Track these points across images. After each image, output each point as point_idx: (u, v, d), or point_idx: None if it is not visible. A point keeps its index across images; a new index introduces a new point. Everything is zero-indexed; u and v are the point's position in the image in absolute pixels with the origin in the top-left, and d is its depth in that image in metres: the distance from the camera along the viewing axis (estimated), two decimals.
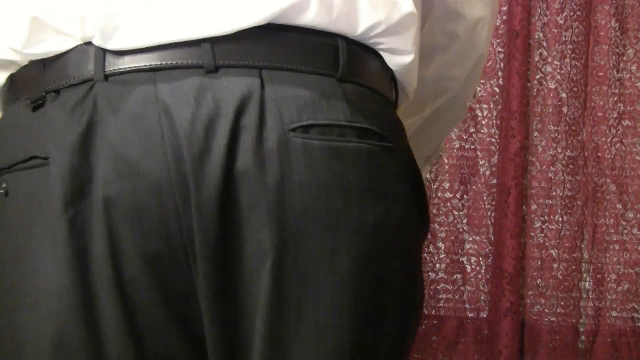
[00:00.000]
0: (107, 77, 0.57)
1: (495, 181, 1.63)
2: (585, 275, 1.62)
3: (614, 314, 1.61)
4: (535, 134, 1.64)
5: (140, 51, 0.57)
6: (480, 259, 1.63)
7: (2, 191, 0.59)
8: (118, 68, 0.57)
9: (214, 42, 0.57)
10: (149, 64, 0.57)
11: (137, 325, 0.56)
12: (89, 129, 0.56)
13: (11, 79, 0.63)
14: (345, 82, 0.61)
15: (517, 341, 1.56)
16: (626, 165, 1.63)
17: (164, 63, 0.57)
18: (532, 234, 1.62)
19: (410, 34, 0.65)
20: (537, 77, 1.65)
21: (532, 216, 1.62)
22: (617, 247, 1.62)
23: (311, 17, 0.60)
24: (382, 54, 0.65)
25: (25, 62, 0.61)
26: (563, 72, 1.64)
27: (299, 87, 0.60)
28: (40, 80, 0.59)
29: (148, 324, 0.56)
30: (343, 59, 0.61)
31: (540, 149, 1.64)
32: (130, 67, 0.57)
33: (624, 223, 1.62)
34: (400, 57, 0.66)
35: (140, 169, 0.55)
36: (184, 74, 0.57)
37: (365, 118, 0.61)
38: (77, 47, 0.58)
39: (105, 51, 0.58)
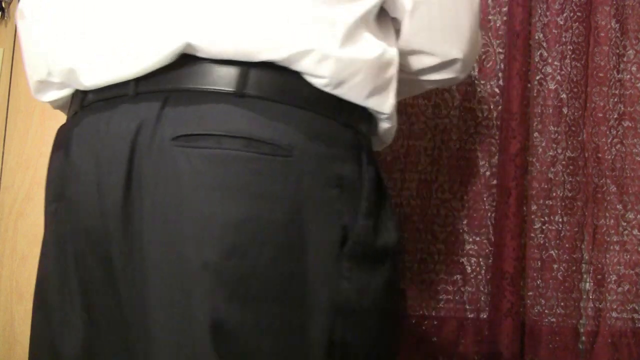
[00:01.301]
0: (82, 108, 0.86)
1: (495, 181, 1.63)
2: (585, 276, 1.62)
3: (614, 314, 1.61)
4: (535, 134, 1.64)
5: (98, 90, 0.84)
6: (480, 259, 1.63)
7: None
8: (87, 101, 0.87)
9: (138, 79, 0.79)
10: (101, 97, 0.83)
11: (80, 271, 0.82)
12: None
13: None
14: (246, 97, 0.76)
15: (517, 342, 1.56)
16: (626, 166, 1.63)
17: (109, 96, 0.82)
18: (532, 235, 1.62)
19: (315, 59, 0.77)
20: (537, 77, 1.65)
21: (532, 217, 1.62)
22: (617, 248, 1.62)
23: (215, 50, 0.76)
24: (304, 76, 0.79)
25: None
26: (563, 72, 1.64)
27: (194, 104, 0.76)
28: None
29: (90, 274, 0.80)
30: (246, 80, 0.77)
31: (540, 150, 1.64)
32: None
33: (624, 224, 1.62)
34: (317, 79, 0.78)
35: (81, 172, 0.81)
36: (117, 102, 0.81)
37: (258, 128, 0.75)
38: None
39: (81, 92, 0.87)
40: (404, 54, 0.90)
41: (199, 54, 0.77)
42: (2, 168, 1.84)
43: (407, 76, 0.96)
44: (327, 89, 0.79)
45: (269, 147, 0.75)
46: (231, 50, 0.76)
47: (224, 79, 0.76)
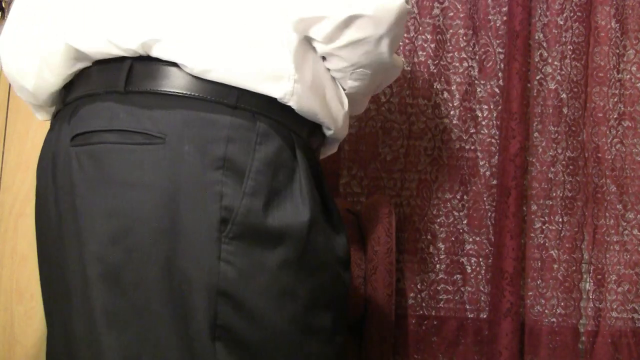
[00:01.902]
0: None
1: (495, 181, 1.63)
2: (585, 276, 1.62)
3: (614, 314, 1.61)
4: (535, 134, 1.64)
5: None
6: (480, 259, 1.63)
7: None
8: None
9: (60, 90, 0.94)
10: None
11: None
12: None
13: None
14: (130, 93, 0.81)
15: (517, 342, 1.55)
16: (626, 166, 1.63)
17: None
18: (532, 235, 1.62)
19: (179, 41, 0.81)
20: (537, 77, 1.65)
21: (532, 217, 1.62)
22: (617, 248, 1.62)
23: (95, 48, 0.82)
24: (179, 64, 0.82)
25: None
26: (563, 72, 1.64)
27: (92, 105, 0.83)
28: None
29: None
30: (128, 75, 0.82)
31: (540, 150, 1.64)
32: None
33: (624, 223, 1.62)
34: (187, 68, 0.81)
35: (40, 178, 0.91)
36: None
37: (134, 120, 0.79)
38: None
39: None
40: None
41: (86, 59, 0.85)
42: (2, 168, 1.84)
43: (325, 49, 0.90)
44: (203, 76, 0.81)
45: (142, 137, 0.79)
46: (104, 47, 0.83)
47: (112, 79, 0.83)
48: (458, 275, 1.63)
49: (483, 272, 1.63)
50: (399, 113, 1.66)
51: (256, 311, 0.77)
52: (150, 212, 0.77)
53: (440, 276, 1.63)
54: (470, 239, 1.64)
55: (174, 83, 0.81)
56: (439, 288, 1.63)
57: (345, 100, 0.92)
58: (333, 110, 0.89)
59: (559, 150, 1.63)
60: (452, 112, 1.66)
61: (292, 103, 0.82)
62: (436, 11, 1.67)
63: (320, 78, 0.87)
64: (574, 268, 1.61)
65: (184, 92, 0.81)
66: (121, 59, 0.82)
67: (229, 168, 0.78)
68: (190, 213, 0.77)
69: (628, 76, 1.65)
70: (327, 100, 0.88)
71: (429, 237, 1.63)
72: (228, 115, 0.80)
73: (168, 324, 0.77)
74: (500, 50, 1.65)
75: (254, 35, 0.81)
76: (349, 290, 0.90)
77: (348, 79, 0.90)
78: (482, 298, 1.62)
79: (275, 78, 0.81)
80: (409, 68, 1.66)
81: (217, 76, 0.81)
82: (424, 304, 1.62)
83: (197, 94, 0.81)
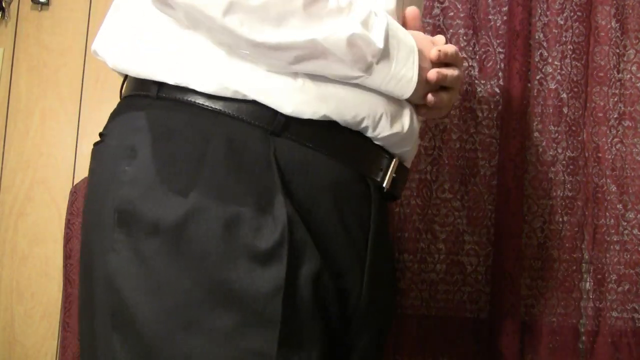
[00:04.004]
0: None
1: (495, 181, 1.63)
2: (585, 276, 1.62)
3: (614, 314, 1.61)
4: (536, 134, 1.64)
5: None
6: (480, 259, 1.63)
7: None
8: None
9: None
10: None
11: None
12: None
13: None
14: (120, 99, 0.91)
15: (517, 341, 1.56)
16: (626, 166, 1.63)
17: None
18: (532, 234, 1.62)
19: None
20: (538, 77, 1.65)
21: (532, 216, 1.62)
22: (617, 248, 1.62)
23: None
24: None
25: None
26: (563, 72, 1.64)
27: None
28: None
29: None
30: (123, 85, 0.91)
31: (540, 149, 1.64)
32: None
33: (624, 223, 1.62)
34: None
35: None
36: None
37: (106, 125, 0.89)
38: None
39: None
40: None
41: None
42: (2, 168, 1.84)
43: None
44: (127, 73, 0.88)
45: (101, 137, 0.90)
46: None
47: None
48: (458, 275, 1.63)
49: (483, 271, 1.63)
50: None
51: (133, 302, 0.76)
52: (85, 208, 0.88)
53: (441, 276, 1.63)
54: (470, 239, 1.64)
55: (123, 83, 0.94)
56: (438, 288, 1.63)
57: None
58: None
59: (559, 150, 1.63)
60: (452, 112, 1.66)
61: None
62: (436, 11, 1.67)
63: None
64: (574, 268, 1.61)
65: (124, 91, 0.91)
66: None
67: (135, 157, 0.81)
68: (98, 203, 0.83)
69: (628, 76, 1.65)
70: None
71: (429, 237, 1.63)
72: (143, 106, 0.85)
73: (91, 313, 0.82)
74: (501, 50, 1.65)
75: None
76: (285, 290, 0.77)
77: None
78: (482, 298, 1.62)
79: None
80: None
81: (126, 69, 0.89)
82: (424, 304, 1.62)
83: (130, 90, 0.89)
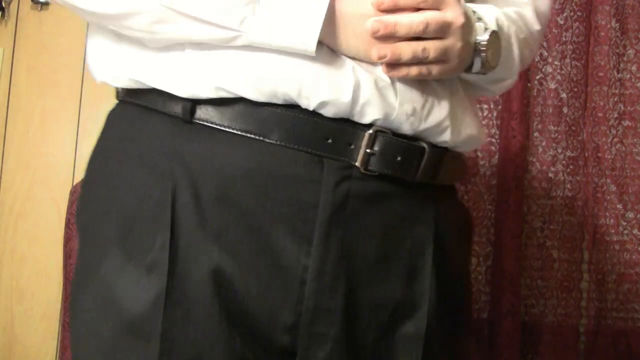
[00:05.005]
0: None
1: (495, 181, 1.63)
2: (585, 275, 1.62)
3: (614, 314, 1.61)
4: (535, 134, 1.64)
5: None
6: (481, 259, 1.63)
7: None
8: None
9: None
10: None
11: None
12: None
13: None
14: None
15: (517, 341, 1.56)
16: (626, 166, 1.63)
17: None
18: (532, 234, 1.62)
19: None
20: (537, 77, 1.65)
21: (532, 216, 1.62)
22: (617, 248, 1.62)
23: None
24: None
25: None
26: (563, 72, 1.64)
27: None
28: None
29: None
30: None
31: (540, 149, 1.64)
32: None
33: (624, 223, 1.62)
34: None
35: None
36: None
37: None
38: None
39: None
40: None
41: None
42: (2, 168, 1.84)
43: None
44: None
45: None
46: None
47: None
48: None
49: (483, 271, 1.63)
50: None
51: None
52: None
53: None
54: None
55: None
56: None
57: None
58: None
59: (559, 150, 1.63)
60: None
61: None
62: None
63: None
64: (574, 268, 1.61)
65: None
66: None
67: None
68: None
69: (628, 76, 1.65)
70: None
71: None
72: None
73: None
74: None
75: None
76: (167, 299, 0.68)
77: None
78: (482, 298, 1.62)
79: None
80: None
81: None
82: None
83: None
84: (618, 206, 1.62)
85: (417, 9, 0.69)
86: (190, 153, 0.71)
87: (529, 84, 1.63)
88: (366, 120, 0.71)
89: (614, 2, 1.64)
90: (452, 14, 0.70)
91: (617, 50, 1.64)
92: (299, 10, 0.67)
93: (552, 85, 1.64)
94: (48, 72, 1.83)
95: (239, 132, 0.70)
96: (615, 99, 1.64)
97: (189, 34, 0.69)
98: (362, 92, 0.70)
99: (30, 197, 1.82)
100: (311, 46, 0.67)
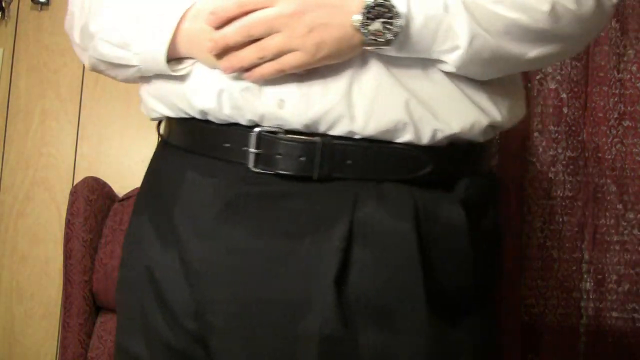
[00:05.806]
0: None
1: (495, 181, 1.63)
2: (585, 276, 1.62)
3: (615, 314, 1.61)
4: (536, 134, 1.64)
5: None
6: None
7: None
8: None
9: None
10: None
11: None
12: None
13: None
14: None
15: (517, 341, 1.56)
16: (626, 166, 1.63)
17: None
18: (532, 234, 1.62)
19: None
20: (537, 77, 1.65)
21: (532, 216, 1.62)
22: (617, 248, 1.62)
23: None
24: None
25: None
26: (563, 72, 1.64)
27: None
28: None
29: None
30: None
31: (540, 149, 1.64)
32: None
33: (624, 223, 1.62)
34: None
35: None
36: None
37: None
38: None
39: None
40: None
41: None
42: (2, 168, 1.84)
43: None
44: None
45: None
46: None
47: None
48: None
49: None
50: None
51: None
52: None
53: None
54: None
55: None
56: None
57: None
58: None
59: (559, 150, 1.63)
60: None
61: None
62: None
63: None
64: (574, 268, 1.61)
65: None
66: None
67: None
68: None
69: (628, 76, 1.65)
70: None
71: None
72: None
73: None
74: None
75: None
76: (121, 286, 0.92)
77: None
78: None
79: None
80: None
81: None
82: None
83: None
84: (618, 206, 1.62)
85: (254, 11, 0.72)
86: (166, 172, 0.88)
87: (529, 84, 1.63)
88: (244, 121, 0.74)
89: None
90: (280, 6, 0.70)
91: (617, 51, 1.64)
92: (154, 37, 0.76)
93: (552, 85, 1.64)
94: (48, 72, 1.83)
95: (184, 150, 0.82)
96: (616, 99, 1.64)
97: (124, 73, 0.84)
98: (224, 97, 0.74)
99: (30, 197, 1.82)
100: (163, 67, 0.76)
